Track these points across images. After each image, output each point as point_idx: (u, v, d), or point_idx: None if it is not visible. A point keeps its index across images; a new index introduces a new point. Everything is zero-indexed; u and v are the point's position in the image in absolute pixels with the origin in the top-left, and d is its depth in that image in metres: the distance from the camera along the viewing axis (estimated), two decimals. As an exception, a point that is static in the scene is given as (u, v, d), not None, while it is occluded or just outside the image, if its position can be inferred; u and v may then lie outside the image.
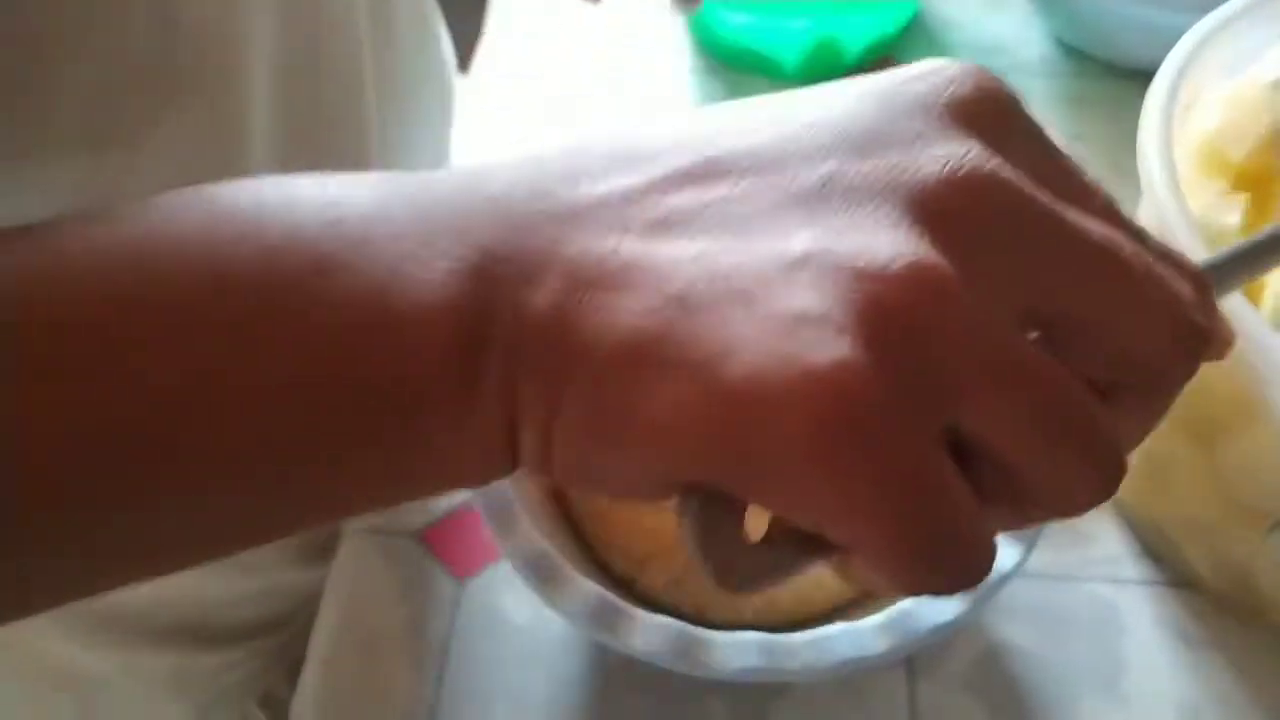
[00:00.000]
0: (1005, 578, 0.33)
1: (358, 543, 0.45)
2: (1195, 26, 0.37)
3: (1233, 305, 0.30)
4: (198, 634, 0.47)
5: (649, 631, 0.33)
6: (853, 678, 0.39)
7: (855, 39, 0.58)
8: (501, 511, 0.35)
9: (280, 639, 0.52)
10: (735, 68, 0.61)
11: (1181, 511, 0.39)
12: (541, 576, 0.34)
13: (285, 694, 0.49)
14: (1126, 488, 0.37)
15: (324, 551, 0.46)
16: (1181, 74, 0.36)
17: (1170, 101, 0.35)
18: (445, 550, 0.44)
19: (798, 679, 0.36)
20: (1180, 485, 0.38)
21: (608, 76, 0.62)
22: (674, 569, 0.38)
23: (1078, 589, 0.42)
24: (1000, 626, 0.41)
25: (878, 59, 0.60)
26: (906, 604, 0.33)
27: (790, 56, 0.58)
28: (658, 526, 0.38)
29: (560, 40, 0.64)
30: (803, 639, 0.33)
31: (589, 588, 0.34)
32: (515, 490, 0.36)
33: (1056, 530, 0.42)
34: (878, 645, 0.32)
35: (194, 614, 0.47)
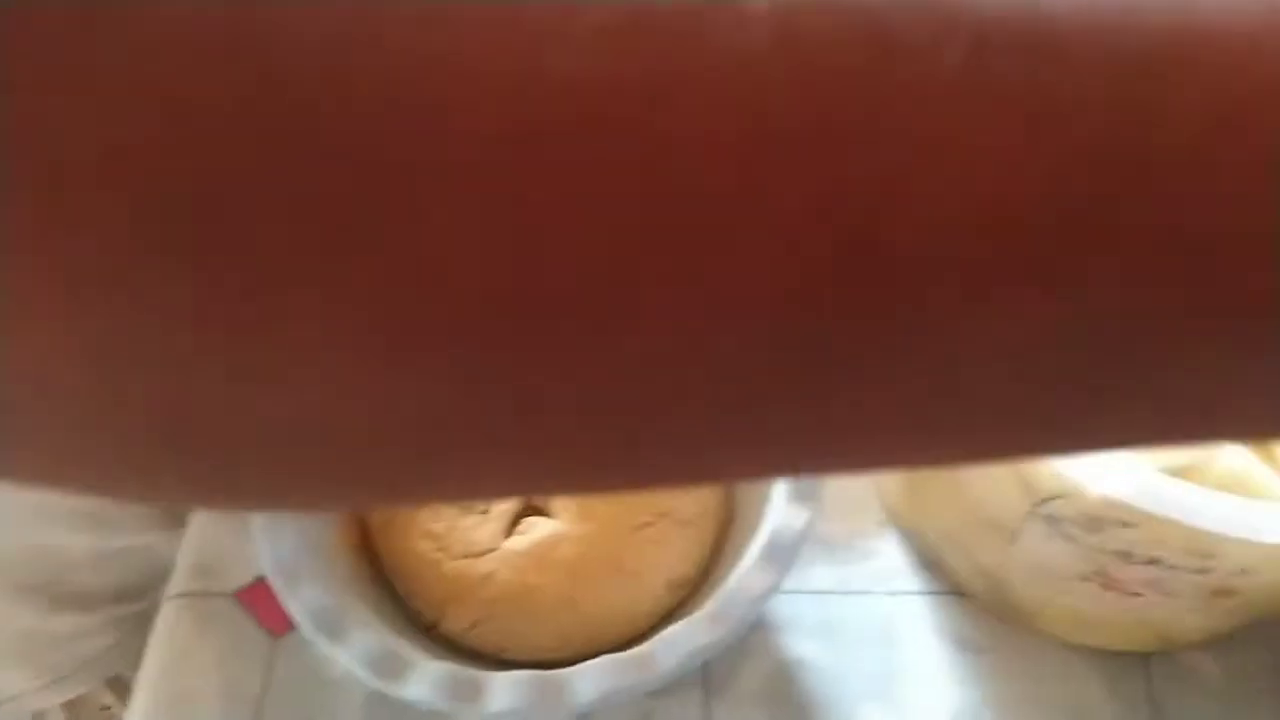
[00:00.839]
0: (759, 610, 0.36)
1: (174, 608, 0.45)
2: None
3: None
4: (53, 594, 0.47)
5: (423, 677, 0.34)
6: (645, 704, 0.41)
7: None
8: (285, 565, 0.36)
9: (135, 608, 0.52)
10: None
11: (938, 524, 0.42)
12: (322, 628, 0.35)
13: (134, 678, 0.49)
14: (899, 501, 0.41)
15: (184, 518, 0.47)
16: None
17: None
18: (260, 609, 0.45)
19: (582, 710, 0.38)
20: (934, 498, 0.41)
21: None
22: (473, 612, 0.40)
23: (860, 602, 0.44)
24: (790, 643, 0.43)
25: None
26: (668, 631, 0.35)
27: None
28: (457, 572, 0.40)
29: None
30: (573, 673, 0.35)
31: (369, 637, 0.35)
32: (315, 540, 0.38)
33: (840, 546, 0.45)
34: (644, 673, 0.34)
35: (49, 571, 0.47)
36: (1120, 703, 0.42)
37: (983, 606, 0.44)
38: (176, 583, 0.46)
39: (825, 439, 0.12)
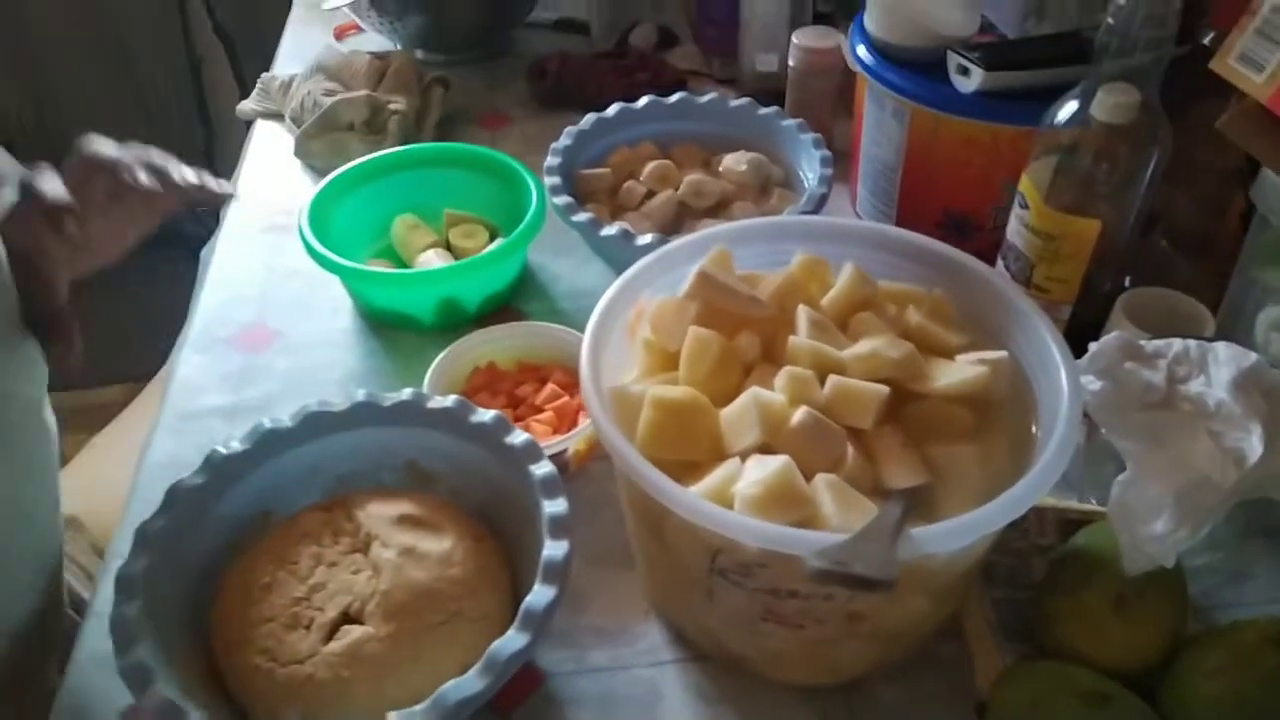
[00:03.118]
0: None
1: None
2: (628, 271, 0.57)
3: (617, 450, 0.47)
4: None
5: None
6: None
7: (474, 295, 0.77)
8: (137, 668, 0.46)
9: None
10: (386, 324, 0.78)
11: (676, 603, 0.54)
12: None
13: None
14: (652, 590, 0.54)
15: None
16: (617, 297, 0.55)
17: (601, 318, 0.53)
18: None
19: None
20: (656, 566, 0.53)
21: (287, 337, 0.78)
22: (298, 710, 0.49)
23: (630, 674, 0.55)
24: (574, 713, 0.54)
25: (497, 307, 0.79)
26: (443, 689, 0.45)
27: (425, 315, 0.76)
28: (285, 677, 0.49)
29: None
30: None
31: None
32: (168, 655, 0.47)
33: (614, 633, 0.57)
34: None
35: None
36: (826, 728, 0.53)
37: (718, 665, 0.55)
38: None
39: None
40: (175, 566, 0.52)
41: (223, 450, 0.56)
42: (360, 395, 0.59)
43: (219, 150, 1.81)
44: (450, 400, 0.59)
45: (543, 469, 0.54)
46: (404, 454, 0.60)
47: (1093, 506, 0.60)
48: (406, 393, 0.59)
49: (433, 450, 0.59)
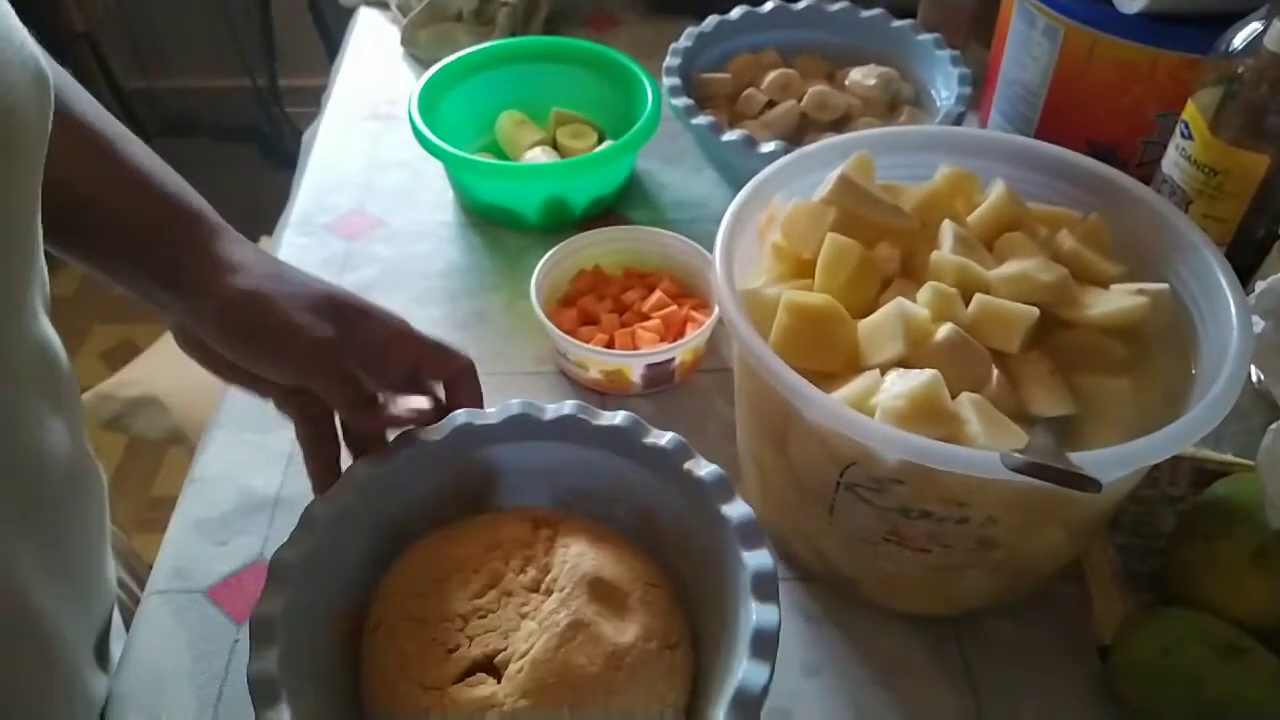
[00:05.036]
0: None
1: (153, 602, 0.54)
2: (764, 170, 0.54)
3: (752, 349, 0.45)
4: None
5: None
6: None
7: (581, 196, 0.75)
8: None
9: None
10: (489, 220, 0.76)
11: (788, 518, 0.52)
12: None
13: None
14: (761, 506, 0.50)
15: None
16: (751, 198, 0.52)
17: (734, 218, 0.51)
18: (227, 601, 0.54)
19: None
20: (771, 479, 0.51)
21: (388, 226, 0.76)
22: None
23: (731, 588, 0.54)
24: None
25: (602, 211, 0.77)
26: None
27: (530, 212, 0.74)
28: (405, 693, 0.43)
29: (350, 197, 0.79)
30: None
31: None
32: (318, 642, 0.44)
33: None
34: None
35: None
36: (935, 658, 0.51)
37: (827, 588, 0.53)
38: (155, 582, 0.55)
39: None
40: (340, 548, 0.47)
41: (362, 466, 0.48)
42: (514, 407, 0.50)
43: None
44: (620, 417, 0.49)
45: (738, 511, 0.45)
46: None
47: (1230, 458, 0.56)
48: (567, 406, 0.50)
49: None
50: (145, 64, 1.94)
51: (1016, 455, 0.38)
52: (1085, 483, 0.37)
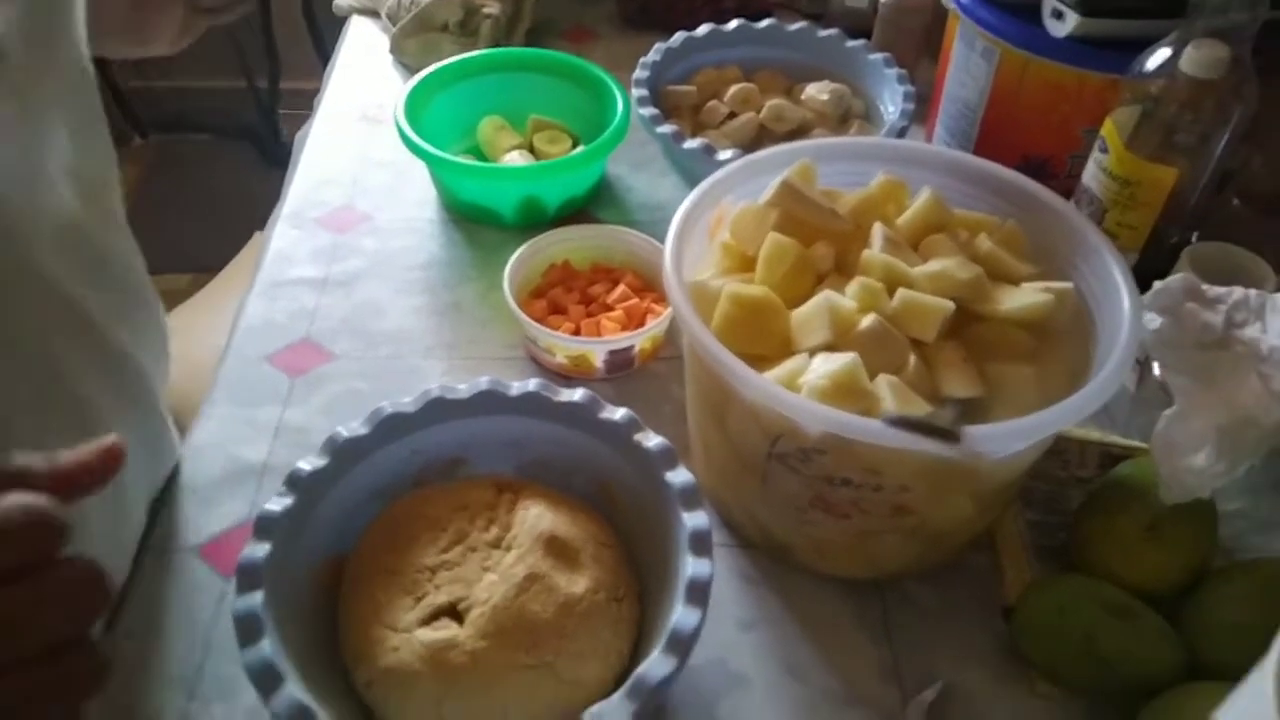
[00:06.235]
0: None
1: (148, 560, 0.58)
2: (714, 174, 0.59)
3: (695, 335, 0.50)
4: None
5: None
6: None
7: (554, 197, 0.80)
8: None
9: None
10: (469, 217, 0.82)
11: (720, 478, 0.57)
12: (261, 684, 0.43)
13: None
14: (705, 476, 0.55)
15: None
16: (701, 199, 0.58)
17: (685, 217, 0.56)
18: (216, 558, 0.59)
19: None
20: (714, 453, 0.57)
21: (374, 221, 0.82)
22: (369, 674, 0.47)
23: (678, 554, 0.59)
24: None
25: (574, 211, 0.82)
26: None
27: (507, 210, 0.79)
28: (376, 636, 0.47)
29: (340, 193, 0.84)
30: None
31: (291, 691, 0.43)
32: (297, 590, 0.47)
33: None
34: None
35: None
36: (859, 617, 0.56)
37: (764, 553, 0.59)
38: (150, 541, 0.59)
39: None
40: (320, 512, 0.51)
41: (343, 433, 0.53)
42: (483, 383, 0.55)
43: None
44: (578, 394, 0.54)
45: (680, 477, 0.50)
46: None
47: (1134, 443, 0.62)
48: (532, 383, 0.55)
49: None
50: (144, 64, 1.99)
51: (893, 414, 0.44)
52: (947, 435, 0.43)
